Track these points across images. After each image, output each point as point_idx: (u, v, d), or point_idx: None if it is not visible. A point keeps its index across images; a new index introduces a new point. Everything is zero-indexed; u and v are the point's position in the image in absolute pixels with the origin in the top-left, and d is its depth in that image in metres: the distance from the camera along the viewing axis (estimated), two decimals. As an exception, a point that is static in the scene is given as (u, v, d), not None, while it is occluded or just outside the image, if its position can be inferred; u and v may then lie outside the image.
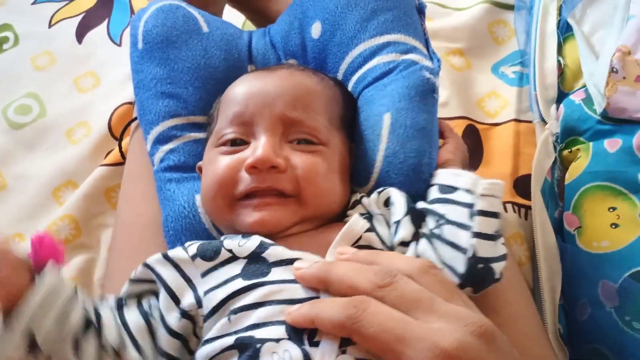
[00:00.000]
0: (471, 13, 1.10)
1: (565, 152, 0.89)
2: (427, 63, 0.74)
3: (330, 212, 0.67)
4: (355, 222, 0.62)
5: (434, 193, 0.65)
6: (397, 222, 0.63)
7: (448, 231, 0.59)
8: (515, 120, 0.98)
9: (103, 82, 1.10)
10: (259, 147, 0.65)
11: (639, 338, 0.71)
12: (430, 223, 0.62)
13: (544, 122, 0.93)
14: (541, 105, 0.94)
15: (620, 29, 0.91)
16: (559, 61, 0.97)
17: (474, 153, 0.97)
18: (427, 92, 0.72)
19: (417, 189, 0.67)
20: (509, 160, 0.94)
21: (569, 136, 0.90)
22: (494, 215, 0.58)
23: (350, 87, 0.76)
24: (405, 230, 0.62)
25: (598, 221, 0.81)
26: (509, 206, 0.90)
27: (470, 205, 0.59)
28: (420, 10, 0.80)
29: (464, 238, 0.58)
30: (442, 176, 0.66)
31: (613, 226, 0.80)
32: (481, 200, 0.59)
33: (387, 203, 0.66)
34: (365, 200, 0.67)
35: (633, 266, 0.76)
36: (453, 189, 0.62)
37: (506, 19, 1.09)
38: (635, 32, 0.89)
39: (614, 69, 0.87)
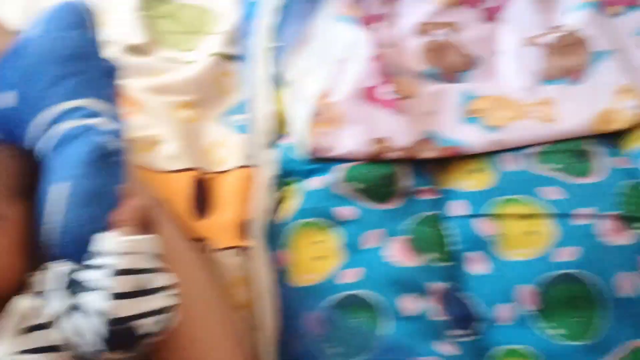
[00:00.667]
0: (200, 66, 1.15)
1: (280, 193, 0.95)
2: (110, 126, 0.75)
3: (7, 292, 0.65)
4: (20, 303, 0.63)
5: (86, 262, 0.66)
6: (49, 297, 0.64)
7: (85, 299, 0.61)
8: (242, 166, 1.03)
9: None
10: None
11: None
12: (75, 294, 0.63)
13: (261, 166, 0.99)
14: (258, 150, 1.00)
15: (320, 74, 0.99)
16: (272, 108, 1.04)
17: (203, 203, 1.00)
18: (105, 156, 0.73)
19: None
20: (236, 206, 0.98)
21: (283, 178, 0.96)
22: (135, 272, 0.61)
23: (36, 155, 0.76)
24: (54, 306, 0.63)
25: (305, 256, 0.87)
26: (234, 251, 0.94)
27: (106, 267, 0.61)
28: (110, 73, 0.82)
29: (96, 303, 0.60)
30: (94, 242, 0.67)
31: (317, 259, 0.86)
32: (120, 259, 0.61)
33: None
34: (37, 277, 0.67)
35: (332, 294, 0.82)
36: (98, 253, 0.64)
37: (233, 70, 1.15)
38: (330, 77, 0.98)
39: (314, 113, 0.95)
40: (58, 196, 0.70)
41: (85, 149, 0.72)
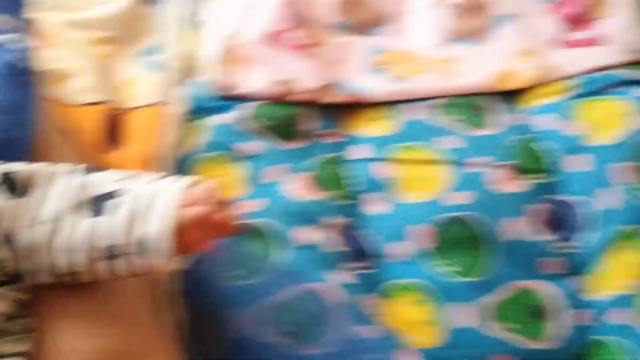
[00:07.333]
0: (117, 5, 1.14)
1: (187, 129, 0.96)
2: (18, 44, 0.76)
3: None
4: None
5: None
6: None
7: None
8: (153, 104, 1.04)
9: None
10: None
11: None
12: None
13: (173, 103, 1.00)
14: (170, 88, 1.01)
15: (231, 16, 1.01)
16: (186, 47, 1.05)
17: (114, 136, 1.01)
18: (18, 73, 0.74)
19: (10, 160, 0.69)
20: (146, 141, 0.99)
21: (192, 114, 0.98)
22: None
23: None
24: None
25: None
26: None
27: None
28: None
29: None
30: None
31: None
32: None
33: None
34: None
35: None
36: None
37: (149, 12, 1.15)
38: (240, 19, 1.00)
39: (224, 52, 0.97)
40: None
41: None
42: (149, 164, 0.97)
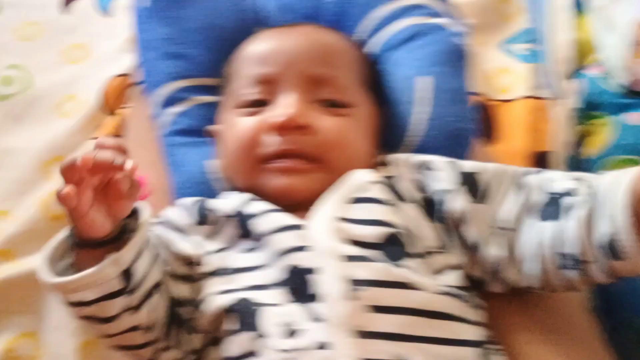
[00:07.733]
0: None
1: (584, 126, 0.87)
2: (456, 28, 0.72)
3: None
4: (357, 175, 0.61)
5: None
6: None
7: None
8: (530, 97, 0.96)
9: (93, 54, 1.03)
10: (286, 105, 0.62)
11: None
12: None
13: (559, 97, 0.91)
14: (556, 80, 0.92)
15: (635, 1, 0.89)
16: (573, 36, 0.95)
17: (485, 129, 0.95)
18: (459, 58, 0.70)
19: (456, 154, 0.64)
20: (526, 137, 0.92)
21: (587, 110, 0.88)
22: None
23: (370, 49, 0.73)
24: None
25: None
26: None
27: None
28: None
29: None
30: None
31: None
32: None
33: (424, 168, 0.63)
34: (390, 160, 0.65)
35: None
36: None
37: (514, -4, 1.08)
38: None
39: (633, 42, 0.86)
40: (423, 88, 0.67)
41: (441, 47, 0.70)
42: (530, 162, 0.90)
